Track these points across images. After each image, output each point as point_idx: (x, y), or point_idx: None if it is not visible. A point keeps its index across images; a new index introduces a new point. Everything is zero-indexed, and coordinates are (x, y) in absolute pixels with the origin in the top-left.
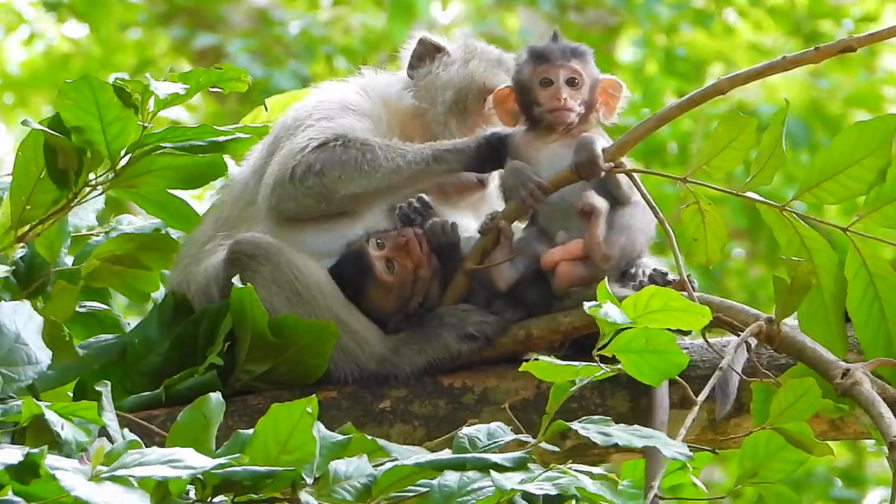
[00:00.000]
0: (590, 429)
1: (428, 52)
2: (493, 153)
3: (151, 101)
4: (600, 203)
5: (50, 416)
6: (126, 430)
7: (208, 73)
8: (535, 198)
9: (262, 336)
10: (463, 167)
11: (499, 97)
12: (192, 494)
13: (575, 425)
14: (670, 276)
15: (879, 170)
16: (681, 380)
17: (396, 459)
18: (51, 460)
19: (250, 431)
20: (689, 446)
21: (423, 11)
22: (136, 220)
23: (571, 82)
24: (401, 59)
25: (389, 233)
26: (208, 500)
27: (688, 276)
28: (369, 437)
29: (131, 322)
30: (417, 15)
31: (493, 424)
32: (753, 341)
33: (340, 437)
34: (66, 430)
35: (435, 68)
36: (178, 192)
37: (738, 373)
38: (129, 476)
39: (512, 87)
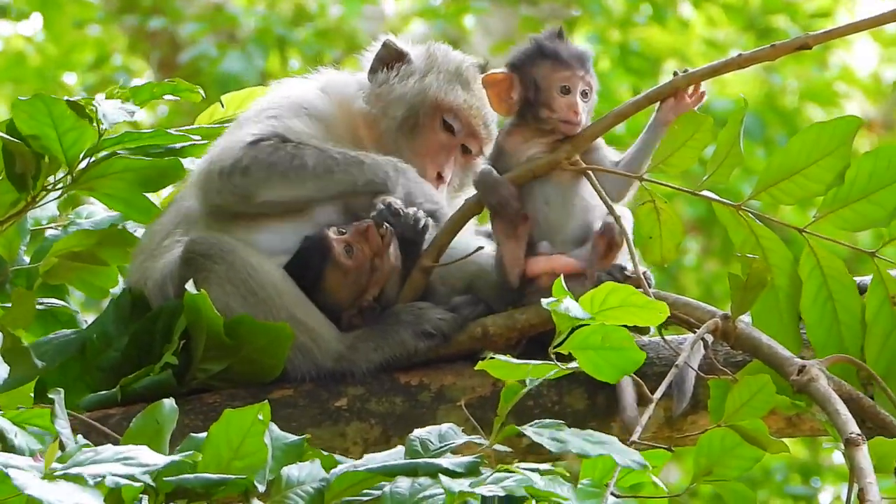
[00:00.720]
0: (543, 434)
1: (391, 57)
2: None
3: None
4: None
5: (3, 423)
6: (80, 437)
7: (162, 85)
8: (510, 207)
9: (218, 338)
10: (389, 193)
11: (492, 81)
12: (144, 502)
13: (528, 430)
14: (628, 272)
15: (838, 171)
16: (636, 377)
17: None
18: (4, 458)
19: (203, 435)
20: (645, 444)
21: None
22: (96, 212)
23: (584, 94)
24: (363, 60)
25: (352, 223)
26: None
27: (644, 273)
28: (325, 453)
29: (88, 319)
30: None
31: (445, 426)
32: (710, 338)
33: (293, 437)
34: (20, 438)
35: (393, 77)
36: None
37: (694, 370)
38: (83, 474)
39: (511, 74)
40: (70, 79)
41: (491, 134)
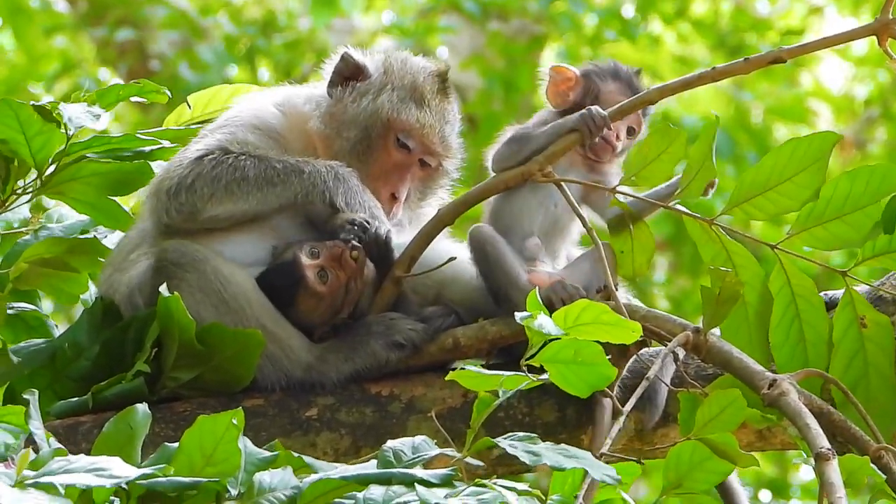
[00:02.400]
0: (517, 447)
1: (349, 70)
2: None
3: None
4: None
5: None
6: (52, 440)
7: (128, 87)
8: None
9: (189, 344)
10: (328, 207)
11: (560, 74)
12: None
13: (502, 443)
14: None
15: (813, 188)
16: (608, 390)
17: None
18: None
19: (176, 445)
20: (615, 457)
21: (345, 10)
22: (67, 215)
23: (631, 131)
24: (323, 72)
25: (324, 242)
26: None
27: (616, 287)
28: (295, 455)
29: (59, 325)
30: (340, 11)
31: (419, 438)
32: (681, 351)
33: (266, 453)
34: None
35: (347, 96)
36: None
37: (665, 383)
38: (54, 483)
39: (580, 76)
40: (37, 89)
41: (449, 148)
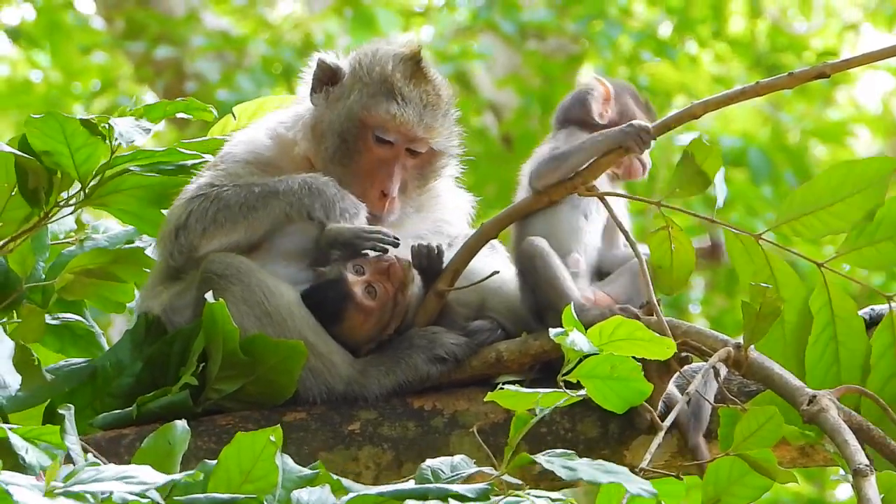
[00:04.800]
0: (554, 462)
1: (325, 75)
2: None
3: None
4: None
5: (14, 439)
6: (90, 456)
7: (175, 103)
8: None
9: (233, 354)
10: (308, 221)
11: (597, 89)
12: None
13: (540, 458)
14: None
15: (867, 209)
16: (648, 405)
17: None
18: (6, 476)
19: (214, 462)
20: (656, 472)
21: (383, 30)
22: (112, 226)
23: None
24: (303, 81)
25: (368, 258)
26: None
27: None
28: (334, 476)
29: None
30: (378, 31)
31: (458, 457)
32: (723, 367)
33: (306, 470)
34: (31, 454)
35: (323, 104)
36: None
37: (707, 399)
38: (84, 492)
39: (612, 94)
40: (77, 108)
41: (433, 130)
